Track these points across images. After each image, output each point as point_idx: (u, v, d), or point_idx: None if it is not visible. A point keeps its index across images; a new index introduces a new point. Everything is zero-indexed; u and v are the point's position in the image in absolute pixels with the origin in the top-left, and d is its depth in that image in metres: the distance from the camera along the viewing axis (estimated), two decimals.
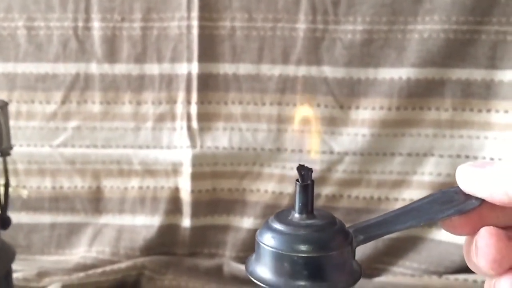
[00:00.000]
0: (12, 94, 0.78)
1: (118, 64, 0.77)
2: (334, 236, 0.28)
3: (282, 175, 0.79)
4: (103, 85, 0.78)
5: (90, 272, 0.73)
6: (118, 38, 0.77)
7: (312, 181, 0.28)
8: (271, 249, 0.27)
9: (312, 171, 0.28)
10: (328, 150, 0.77)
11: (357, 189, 0.78)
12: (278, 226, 0.28)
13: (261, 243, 0.28)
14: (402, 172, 0.77)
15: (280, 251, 0.27)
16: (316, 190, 0.86)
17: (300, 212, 0.28)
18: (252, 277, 0.29)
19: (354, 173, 0.77)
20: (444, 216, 0.29)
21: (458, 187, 0.29)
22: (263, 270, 0.28)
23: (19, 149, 0.79)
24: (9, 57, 0.78)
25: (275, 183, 0.79)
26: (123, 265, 0.76)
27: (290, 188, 0.79)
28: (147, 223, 0.80)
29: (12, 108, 0.76)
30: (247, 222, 0.80)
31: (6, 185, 0.59)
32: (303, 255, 0.27)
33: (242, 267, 0.79)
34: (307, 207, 0.28)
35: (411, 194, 0.77)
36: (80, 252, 0.80)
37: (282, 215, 0.29)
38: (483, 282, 0.77)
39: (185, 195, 0.79)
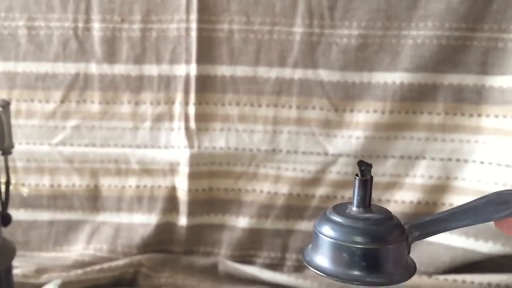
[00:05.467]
0: (12, 93, 0.79)
1: (117, 64, 0.79)
2: (391, 230, 0.29)
3: (277, 176, 0.80)
4: (102, 85, 0.79)
5: (88, 269, 0.75)
6: (117, 39, 0.78)
7: (371, 177, 0.29)
8: (330, 239, 0.29)
9: (371, 167, 0.29)
10: (322, 151, 0.79)
11: (350, 190, 0.79)
12: (337, 218, 0.29)
13: (320, 234, 0.29)
14: (395, 175, 0.79)
15: (339, 242, 0.28)
16: (310, 191, 0.87)
17: (358, 206, 0.30)
18: (310, 266, 0.29)
19: (348, 174, 0.79)
20: (501, 217, 0.30)
21: None
22: (321, 259, 0.29)
23: (18, 147, 0.80)
24: (10, 56, 0.79)
25: (270, 184, 0.80)
26: (120, 262, 0.77)
27: (285, 188, 0.80)
28: (144, 221, 0.82)
29: (12, 107, 0.77)
30: (242, 222, 0.82)
31: (7, 183, 0.61)
32: (362, 246, 0.28)
33: (237, 265, 0.81)
34: (365, 201, 0.30)
35: (403, 196, 0.79)
36: (78, 249, 0.82)
37: (339, 208, 0.30)
38: (472, 282, 0.78)
39: (182, 194, 0.81)
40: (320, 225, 0.30)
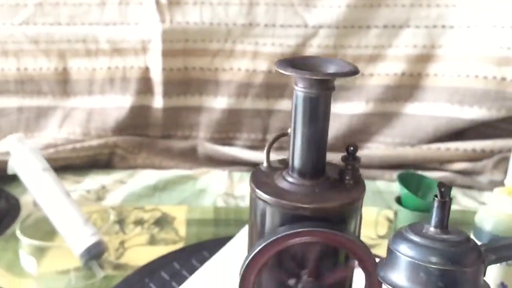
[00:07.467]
0: None
1: None
2: (469, 253, 0.29)
3: (255, 52, 0.76)
4: None
5: (60, 148, 0.72)
6: None
7: (450, 199, 0.29)
8: (407, 258, 0.29)
9: (451, 189, 0.30)
10: (302, 23, 0.74)
11: None
12: (414, 237, 0.30)
13: (396, 252, 0.30)
14: (378, 46, 0.75)
15: (417, 261, 0.29)
16: None
17: (436, 226, 0.30)
18: (385, 282, 0.30)
19: (329, 47, 0.75)
20: None
21: None
22: (398, 277, 0.30)
23: None
24: None
25: (248, 60, 0.77)
26: (94, 142, 0.74)
27: (263, 65, 0.76)
28: (117, 104, 0.78)
29: None
30: (220, 102, 0.79)
31: None
32: (440, 267, 0.29)
33: (216, 147, 0.78)
34: (443, 222, 0.30)
35: (387, 69, 0.75)
36: (50, 134, 0.78)
37: (416, 227, 0.31)
38: (456, 149, 0.76)
39: (156, 74, 0.77)
40: (396, 243, 0.30)
